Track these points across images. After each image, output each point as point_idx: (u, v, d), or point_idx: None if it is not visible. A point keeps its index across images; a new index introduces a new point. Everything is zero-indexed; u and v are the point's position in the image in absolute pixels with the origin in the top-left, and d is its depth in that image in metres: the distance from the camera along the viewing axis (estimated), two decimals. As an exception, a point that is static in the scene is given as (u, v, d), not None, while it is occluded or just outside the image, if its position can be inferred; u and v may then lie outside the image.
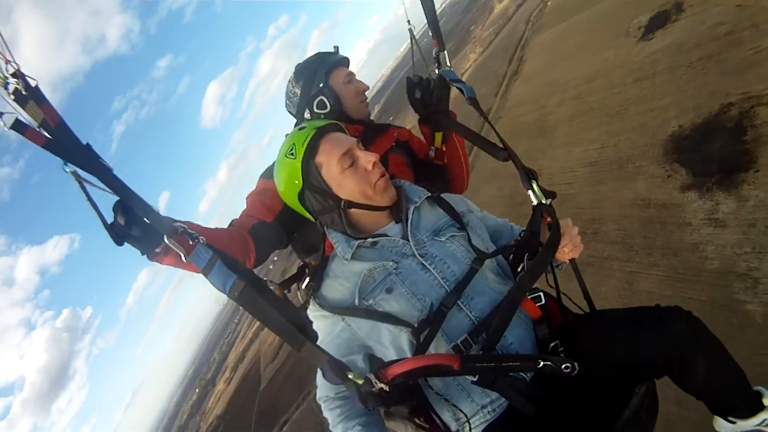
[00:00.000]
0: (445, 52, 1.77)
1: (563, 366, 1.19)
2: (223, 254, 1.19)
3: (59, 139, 1.04)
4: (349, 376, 1.19)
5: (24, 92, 1.02)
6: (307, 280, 1.47)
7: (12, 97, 1.01)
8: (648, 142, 3.99)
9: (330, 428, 1.38)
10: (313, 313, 1.43)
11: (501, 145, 1.52)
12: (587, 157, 4.76)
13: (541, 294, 1.34)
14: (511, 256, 1.48)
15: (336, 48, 1.98)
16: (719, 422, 1.41)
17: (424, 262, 1.35)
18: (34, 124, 1.01)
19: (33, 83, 1.02)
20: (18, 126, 1.00)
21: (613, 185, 4.03)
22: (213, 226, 1.58)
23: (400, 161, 1.90)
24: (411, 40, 2.10)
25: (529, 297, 1.34)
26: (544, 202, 1.42)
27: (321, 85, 1.82)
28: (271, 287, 1.52)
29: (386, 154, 1.87)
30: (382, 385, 1.19)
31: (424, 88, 1.84)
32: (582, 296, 1.51)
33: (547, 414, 1.22)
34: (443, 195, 1.55)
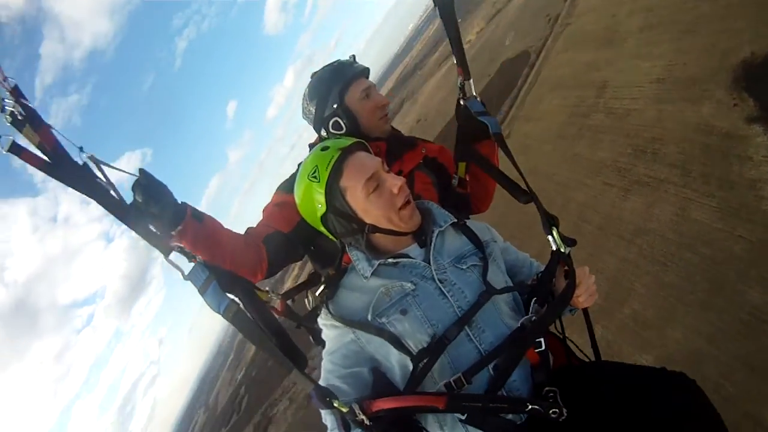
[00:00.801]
0: (471, 81, 1.74)
1: (551, 411, 1.19)
2: (222, 273, 1.27)
3: (57, 161, 1.09)
4: (334, 404, 1.21)
5: (20, 116, 1.05)
6: (322, 287, 1.44)
7: (9, 119, 1.03)
8: (718, 65, 4.09)
9: None
10: (324, 321, 1.41)
11: (525, 188, 1.54)
12: (654, 73, 4.89)
13: (542, 341, 1.30)
14: (525, 296, 1.46)
15: (353, 57, 1.88)
16: None
17: (442, 288, 1.33)
18: (31, 147, 1.05)
19: (23, 105, 1.05)
20: (15, 149, 1.04)
21: (679, 106, 4.22)
22: (234, 230, 1.61)
23: (426, 180, 1.83)
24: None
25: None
26: (563, 250, 1.43)
27: (335, 106, 1.73)
28: (274, 298, 1.56)
29: (412, 173, 1.80)
30: (364, 418, 1.20)
31: (464, 111, 1.78)
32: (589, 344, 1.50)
33: None
34: (469, 222, 1.53)
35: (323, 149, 1.41)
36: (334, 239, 1.47)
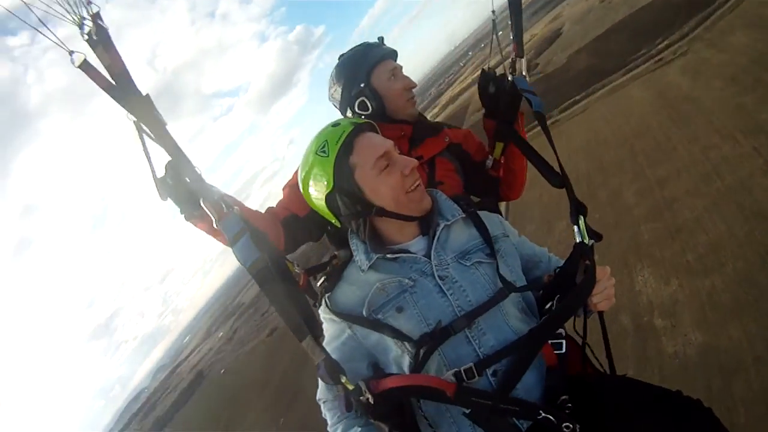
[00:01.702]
0: (523, 59, 1.72)
1: (564, 425, 1.14)
2: (255, 230, 1.25)
3: (121, 85, 1.12)
4: (342, 380, 1.19)
5: (95, 36, 1.09)
6: (322, 279, 1.42)
7: (85, 37, 1.08)
8: None
9: (328, 429, 1.36)
10: (323, 314, 1.39)
11: (558, 171, 1.50)
12: None
13: (563, 342, 1.27)
14: (541, 292, 1.41)
15: (381, 39, 1.87)
16: None
17: (441, 286, 1.29)
18: (101, 67, 1.09)
19: (106, 28, 1.09)
20: (85, 66, 1.08)
21: None
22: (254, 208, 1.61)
23: (449, 167, 1.81)
24: (492, 29, 2.01)
25: (549, 342, 1.27)
26: (586, 242, 1.37)
27: (362, 85, 1.72)
28: (297, 270, 1.52)
29: (433, 159, 1.79)
30: (370, 396, 1.18)
31: (499, 86, 1.74)
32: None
33: None
34: (481, 213, 1.46)
35: (334, 125, 1.36)
36: (337, 225, 1.43)
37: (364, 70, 1.74)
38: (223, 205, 1.25)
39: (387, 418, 1.22)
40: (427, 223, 1.39)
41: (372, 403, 1.18)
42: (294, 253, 1.71)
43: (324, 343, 1.33)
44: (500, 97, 1.73)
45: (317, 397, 1.41)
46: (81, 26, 1.08)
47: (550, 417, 1.15)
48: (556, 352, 1.26)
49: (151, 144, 1.22)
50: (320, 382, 1.35)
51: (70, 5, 1.07)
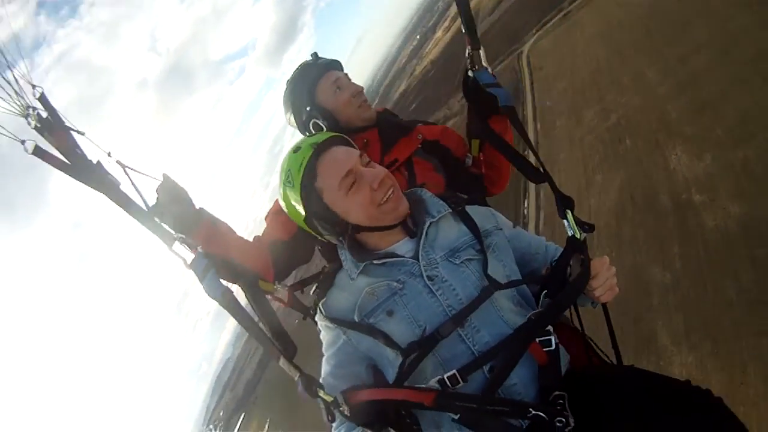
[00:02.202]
0: (481, 51, 1.58)
1: (556, 419, 1.13)
2: (224, 262, 1.31)
3: (74, 162, 1.17)
4: (320, 394, 1.21)
5: (39, 124, 1.13)
6: (315, 287, 1.44)
7: (32, 126, 1.10)
8: None
9: (333, 430, 1.34)
10: (320, 321, 1.40)
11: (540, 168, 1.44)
12: None
13: (552, 338, 1.23)
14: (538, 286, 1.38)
15: (314, 55, 1.84)
16: None
17: (431, 286, 1.27)
18: (53, 150, 1.11)
19: (43, 113, 1.12)
20: (38, 152, 1.10)
21: None
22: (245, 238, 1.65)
23: (428, 166, 1.75)
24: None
25: (537, 340, 1.23)
26: (578, 236, 1.33)
27: (308, 108, 1.71)
28: (280, 288, 1.53)
29: (410, 159, 1.73)
30: (346, 408, 1.19)
31: (467, 82, 1.62)
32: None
33: None
34: (469, 208, 1.42)
35: (295, 150, 1.34)
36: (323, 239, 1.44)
37: (306, 93, 1.73)
38: (189, 247, 1.30)
39: (371, 425, 1.21)
40: (413, 223, 1.37)
41: (347, 414, 1.19)
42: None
43: (323, 350, 1.38)
44: (468, 95, 1.64)
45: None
46: (26, 116, 1.12)
47: (541, 414, 1.14)
48: (545, 349, 1.22)
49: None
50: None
51: (12, 97, 1.12)
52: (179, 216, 1.38)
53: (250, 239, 1.70)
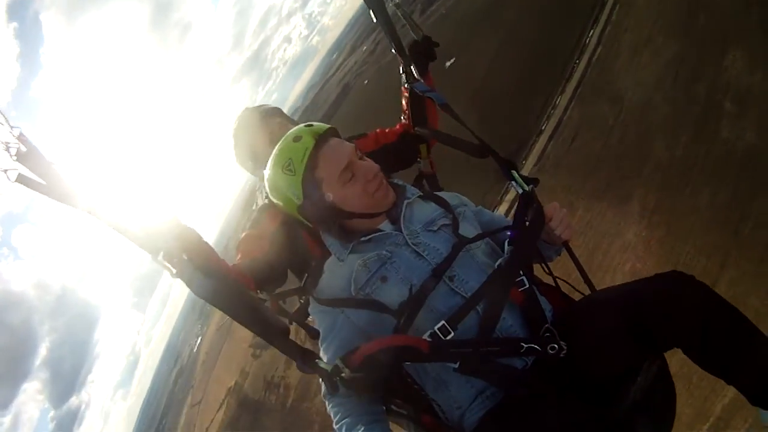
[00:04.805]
0: (412, 66, 1.81)
1: (549, 347, 1.19)
2: (202, 265, 1.24)
3: (56, 187, 1.16)
4: (319, 365, 1.27)
5: (21, 154, 1.14)
6: (305, 276, 1.52)
7: (14, 158, 1.12)
8: None
9: (333, 426, 1.37)
10: (313, 309, 1.46)
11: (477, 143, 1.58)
12: None
13: (524, 279, 1.33)
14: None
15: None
16: (764, 415, 1.22)
17: (417, 249, 1.38)
18: (35, 176, 1.13)
19: (26, 148, 1.10)
20: (22, 179, 1.15)
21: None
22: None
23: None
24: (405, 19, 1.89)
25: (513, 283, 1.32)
26: (526, 189, 1.46)
27: (263, 177, 1.67)
28: (263, 298, 1.57)
29: None
30: (348, 371, 1.24)
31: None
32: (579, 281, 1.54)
33: (549, 398, 1.20)
34: (438, 194, 1.60)
35: (296, 139, 1.44)
36: (309, 225, 1.52)
37: (252, 163, 1.98)
38: (174, 258, 1.25)
39: (373, 389, 1.29)
40: (394, 210, 1.49)
41: (351, 378, 1.24)
42: None
43: (321, 337, 1.44)
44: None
45: (322, 393, 1.42)
46: (8, 149, 1.14)
47: (534, 345, 1.21)
48: (520, 289, 1.32)
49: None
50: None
51: None
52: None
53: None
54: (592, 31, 7.55)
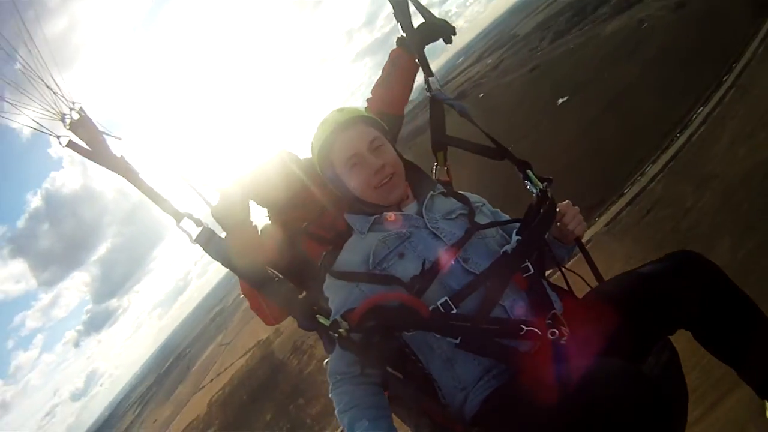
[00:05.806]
0: (434, 78, 1.96)
1: (549, 332, 1.21)
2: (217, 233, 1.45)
3: (98, 151, 1.33)
4: (319, 319, 1.34)
5: (73, 122, 1.31)
6: (324, 254, 1.59)
7: (67, 126, 1.29)
8: None
9: (336, 413, 1.40)
10: (330, 284, 1.52)
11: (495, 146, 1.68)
12: None
13: (528, 264, 1.36)
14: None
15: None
16: None
17: (435, 232, 1.46)
18: (83, 143, 1.30)
19: (77, 114, 1.29)
20: (72, 145, 1.30)
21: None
22: None
23: None
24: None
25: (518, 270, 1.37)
26: (541, 186, 1.53)
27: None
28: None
29: None
30: (347, 327, 1.31)
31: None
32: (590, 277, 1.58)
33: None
34: (460, 192, 1.67)
35: (323, 122, 1.61)
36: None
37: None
38: (195, 223, 1.43)
39: (373, 347, 1.32)
40: (419, 190, 1.61)
41: (350, 334, 1.31)
42: None
43: (335, 311, 1.45)
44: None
45: (328, 372, 1.47)
46: (63, 119, 1.29)
47: (534, 329, 1.23)
48: (524, 275, 1.36)
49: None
50: (332, 357, 1.48)
51: (55, 108, 1.28)
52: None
53: None
54: (701, 108, 7.49)
